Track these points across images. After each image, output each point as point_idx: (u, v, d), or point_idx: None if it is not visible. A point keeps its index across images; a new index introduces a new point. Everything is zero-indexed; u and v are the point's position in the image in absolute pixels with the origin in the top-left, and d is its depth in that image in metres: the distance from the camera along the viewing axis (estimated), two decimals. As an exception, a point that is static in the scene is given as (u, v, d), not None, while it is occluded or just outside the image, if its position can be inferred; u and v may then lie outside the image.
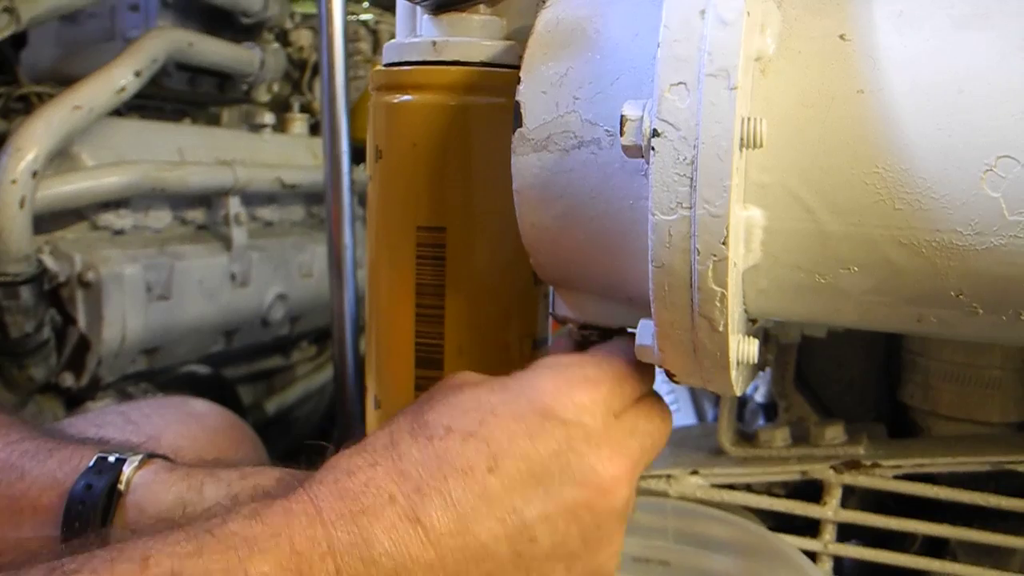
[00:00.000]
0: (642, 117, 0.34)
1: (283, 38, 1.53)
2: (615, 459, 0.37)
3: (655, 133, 0.33)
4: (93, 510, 0.43)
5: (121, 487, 0.45)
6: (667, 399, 0.43)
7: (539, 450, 0.36)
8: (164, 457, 0.48)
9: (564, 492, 0.36)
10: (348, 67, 1.06)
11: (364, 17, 1.70)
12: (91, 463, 0.46)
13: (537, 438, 0.37)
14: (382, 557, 0.34)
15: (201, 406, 0.71)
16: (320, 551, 0.33)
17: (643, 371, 0.41)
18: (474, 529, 0.35)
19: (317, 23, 1.06)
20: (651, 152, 0.34)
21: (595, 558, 0.38)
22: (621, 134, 0.34)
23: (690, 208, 0.33)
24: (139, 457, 0.46)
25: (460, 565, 0.35)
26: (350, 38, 1.15)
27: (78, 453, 0.48)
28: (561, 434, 0.37)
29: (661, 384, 0.48)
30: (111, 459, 0.46)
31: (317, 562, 0.33)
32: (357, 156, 1.05)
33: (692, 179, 0.33)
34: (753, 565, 0.53)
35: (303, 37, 1.55)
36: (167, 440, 0.58)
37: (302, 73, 1.56)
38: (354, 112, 1.07)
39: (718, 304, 0.35)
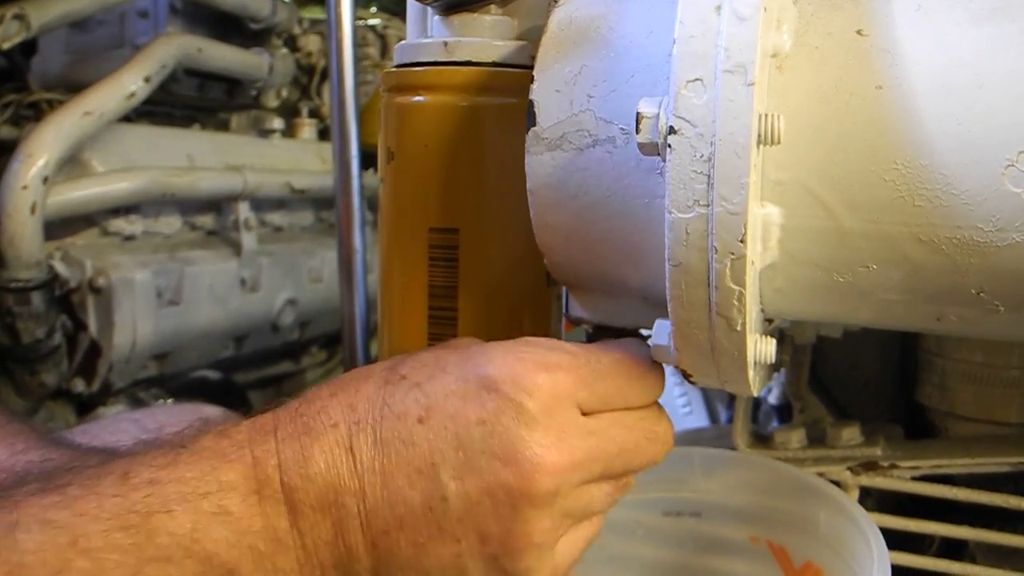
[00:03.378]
0: (658, 114, 0.34)
1: (292, 43, 1.53)
2: (546, 446, 0.37)
3: (671, 130, 0.33)
4: None
5: None
6: (680, 401, 0.43)
7: (468, 415, 0.37)
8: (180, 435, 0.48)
9: (481, 462, 0.37)
10: (357, 72, 1.06)
11: (372, 22, 1.71)
12: None
13: (469, 403, 0.37)
14: (316, 476, 0.36)
15: (214, 414, 0.71)
16: (272, 463, 0.36)
17: (639, 380, 0.40)
18: (393, 471, 0.37)
19: (326, 28, 1.06)
20: (668, 149, 0.33)
21: (509, 543, 0.37)
22: (637, 132, 0.34)
23: (707, 206, 0.33)
24: None
25: (377, 501, 0.37)
26: (358, 43, 1.15)
27: None
28: (492, 406, 0.37)
29: (674, 386, 0.47)
30: None
31: (271, 472, 0.36)
32: (366, 161, 1.05)
33: (709, 176, 0.33)
34: (787, 503, 0.52)
35: (311, 42, 1.55)
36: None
37: (311, 78, 1.56)
38: (363, 117, 1.07)
39: (736, 303, 0.34)
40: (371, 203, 1.29)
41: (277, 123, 1.44)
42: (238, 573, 0.35)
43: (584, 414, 0.39)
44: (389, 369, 0.40)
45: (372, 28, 1.69)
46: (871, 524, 0.45)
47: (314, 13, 1.60)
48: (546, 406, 0.37)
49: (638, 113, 0.34)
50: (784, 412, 0.70)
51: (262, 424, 0.38)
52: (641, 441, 0.40)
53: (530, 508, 0.37)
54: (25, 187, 0.93)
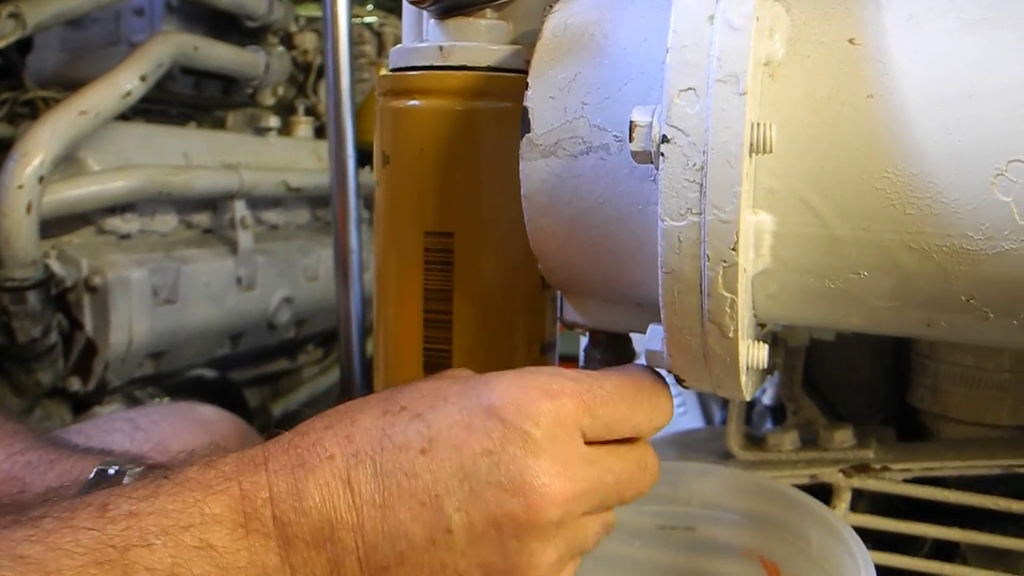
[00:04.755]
0: (651, 123, 0.34)
1: (288, 41, 1.53)
2: (552, 476, 0.36)
3: (664, 139, 0.33)
4: None
5: None
6: (674, 400, 0.43)
7: (472, 445, 0.36)
8: (165, 467, 0.48)
9: (487, 492, 0.36)
10: (353, 70, 1.06)
11: (368, 20, 1.71)
12: (91, 475, 0.46)
13: (473, 432, 0.36)
14: (312, 510, 0.35)
15: (210, 412, 0.71)
16: (263, 496, 0.35)
17: (642, 405, 0.40)
18: (394, 504, 0.36)
19: (322, 26, 1.06)
20: (660, 158, 0.33)
21: (514, 574, 0.37)
22: (630, 140, 0.34)
23: (700, 214, 0.33)
24: (139, 469, 0.45)
25: (377, 536, 0.36)
26: (355, 41, 1.14)
27: (79, 465, 0.48)
28: (497, 435, 0.36)
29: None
30: (111, 471, 0.46)
31: (260, 507, 0.35)
32: (362, 159, 1.05)
33: (702, 185, 0.33)
34: (780, 520, 0.52)
35: (308, 40, 1.55)
36: (175, 447, 0.58)
37: (307, 76, 1.56)
38: (359, 115, 1.07)
39: (728, 310, 0.35)
40: (367, 201, 1.30)
41: (273, 121, 1.44)
42: None
43: (588, 442, 0.38)
44: (386, 400, 0.39)
45: (368, 26, 1.69)
46: (860, 545, 0.45)
47: (310, 11, 1.59)
48: (551, 433, 0.37)
49: (631, 121, 0.34)
50: (778, 413, 0.70)
51: (252, 456, 0.37)
52: (634, 471, 0.40)
53: (536, 540, 0.36)
54: (21, 186, 0.93)
